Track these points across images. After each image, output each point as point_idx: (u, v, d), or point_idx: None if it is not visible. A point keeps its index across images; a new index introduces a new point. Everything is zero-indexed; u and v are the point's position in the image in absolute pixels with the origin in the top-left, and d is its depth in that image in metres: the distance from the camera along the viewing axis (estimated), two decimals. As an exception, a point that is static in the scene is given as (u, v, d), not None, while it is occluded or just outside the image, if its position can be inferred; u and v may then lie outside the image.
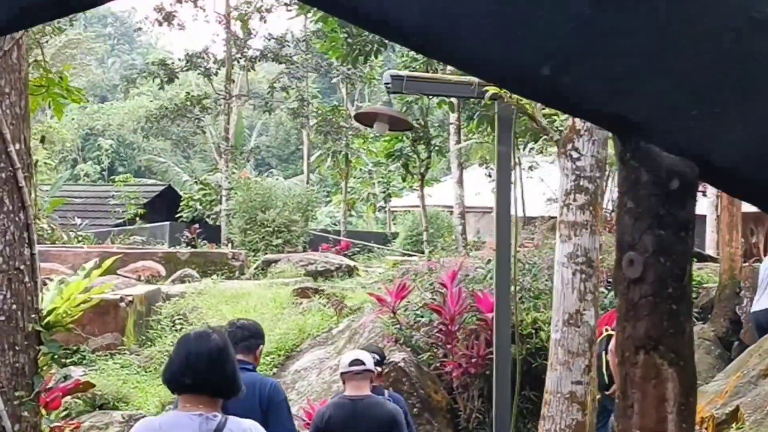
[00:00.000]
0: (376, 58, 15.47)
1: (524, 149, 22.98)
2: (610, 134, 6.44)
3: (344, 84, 33.10)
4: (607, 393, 7.79)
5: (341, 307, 15.08)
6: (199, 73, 30.36)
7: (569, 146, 5.86)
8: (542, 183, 25.26)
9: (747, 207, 12.10)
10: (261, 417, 5.02)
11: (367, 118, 6.97)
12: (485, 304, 10.73)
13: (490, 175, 32.28)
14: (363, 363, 6.43)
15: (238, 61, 29.99)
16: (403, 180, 23.49)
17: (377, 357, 7.17)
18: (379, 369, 7.30)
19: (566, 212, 5.96)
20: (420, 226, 31.50)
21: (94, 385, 9.67)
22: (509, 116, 6.24)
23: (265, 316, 15.85)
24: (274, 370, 13.72)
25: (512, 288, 6.60)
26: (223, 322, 15.95)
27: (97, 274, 7.22)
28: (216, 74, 30.37)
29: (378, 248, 28.60)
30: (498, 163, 6.41)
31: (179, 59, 30.20)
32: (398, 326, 11.74)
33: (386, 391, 7.47)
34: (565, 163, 6.07)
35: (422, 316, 11.71)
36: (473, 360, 10.51)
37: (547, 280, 11.59)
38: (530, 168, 30.84)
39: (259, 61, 30.37)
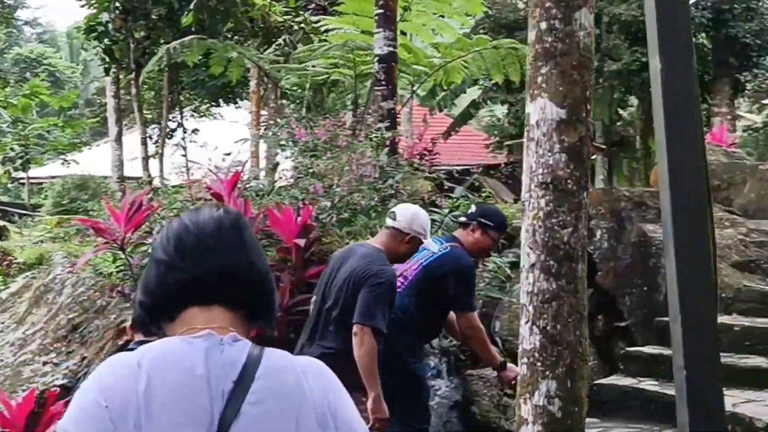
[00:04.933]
0: None
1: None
2: None
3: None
4: None
5: (9, 263, 10.33)
6: None
7: None
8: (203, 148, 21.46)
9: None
10: None
11: None
12: (286, 226, 6.75)
13: (150, 137, 27.83)
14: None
15: None
16: (106, 72, 17.86)
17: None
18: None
19: None
20: (71, 192, 26.36)
21: None
22: None
23: None
24: None
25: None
26: None
27: None
28: None
29: (24, 214, 23.08)
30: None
31: None
32: (127, 271, 7.47)
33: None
34: None
35: (169, 254, 7.47)
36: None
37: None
38: (194, 131, 26.93)
39: None
